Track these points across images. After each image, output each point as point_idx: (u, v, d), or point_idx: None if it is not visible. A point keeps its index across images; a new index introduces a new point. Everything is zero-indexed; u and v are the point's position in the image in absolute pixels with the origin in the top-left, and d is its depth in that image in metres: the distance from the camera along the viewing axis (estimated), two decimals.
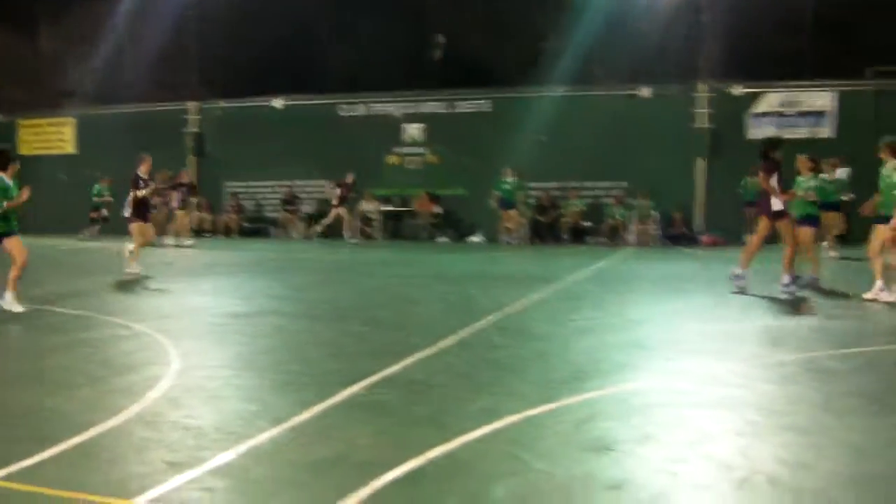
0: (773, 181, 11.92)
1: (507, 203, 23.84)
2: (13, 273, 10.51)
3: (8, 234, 10.47)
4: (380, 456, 4.85)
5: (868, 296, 11.31)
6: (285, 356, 8.09)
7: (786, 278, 11.86)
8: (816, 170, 13.86)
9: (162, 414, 5.80)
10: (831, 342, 8.50)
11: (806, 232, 12.88)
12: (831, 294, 12.15)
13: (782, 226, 12.08)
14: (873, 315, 10.40)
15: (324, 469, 4.70)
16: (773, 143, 12.53)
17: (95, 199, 25.76)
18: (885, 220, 11.27)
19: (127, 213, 15.56)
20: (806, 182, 13.37)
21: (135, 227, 15.39)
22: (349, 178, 25.00)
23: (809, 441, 5.16)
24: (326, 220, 25.26)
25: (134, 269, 14.77)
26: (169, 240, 22.75)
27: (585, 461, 4.82)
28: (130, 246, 15.07)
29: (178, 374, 7.02)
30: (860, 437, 5.26)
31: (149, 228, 15.99)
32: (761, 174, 12.11)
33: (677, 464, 4.74)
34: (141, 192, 15.42)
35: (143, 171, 15.65)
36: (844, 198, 17.88)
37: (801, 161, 13.66)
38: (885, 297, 11.15)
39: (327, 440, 5.22)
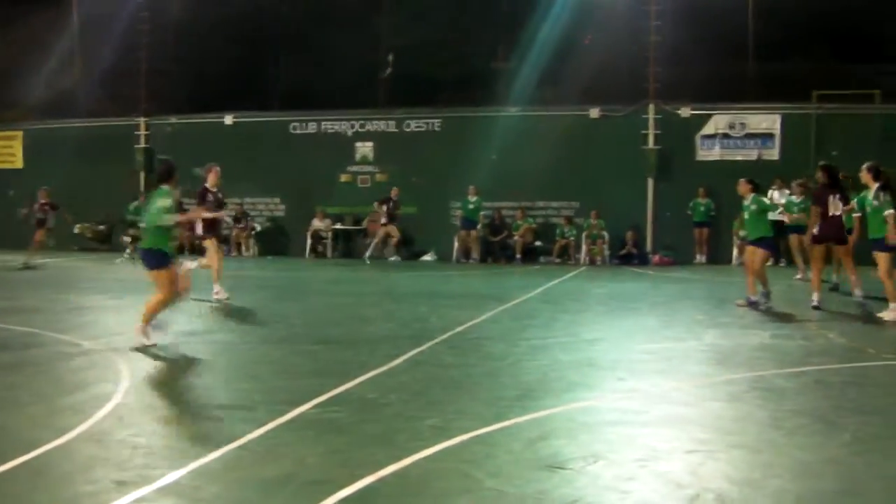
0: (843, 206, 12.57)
1: (469, 222, 23.87)
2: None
3: (172, 259, 9.42)
4: (330, 475, 4.83)
5: (887, 316, 11.54)
6: (236, 374, 8.04)
7: (857, 291, 12.71)
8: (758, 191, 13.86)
9: (111, 432, 5.72)
10: (779, 361, 8.62)
11: (759, 254, 12.93)
12: (779, 314, 12.32)
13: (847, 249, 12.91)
14: (819, 335, 10.56)
15: (274, 488, 4.67)
16: (834, 169, 12.98)
17: (131, 217, 24.02)
18: (878, 244, 11.72)
19: (199, 230, 14.22)
20: (751, 204, 13.24)
21: (209, 243, 14.02)
22: (393, 194, 24.41)
23: (758, 459, 5.23)
24: (376, 240, 24.62)
25: (221, 294, 13.62)
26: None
27: (537, 480, 4.83)
28: (193, 264, 13.93)
29: (127, 392, 6.92)
30: (807, 455, 5.35)
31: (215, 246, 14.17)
32: (845, 204, 12.54)
33: (628, 482, 4.77)
34: (204, 213, 13.48)
35: (210, 183, 14.21)
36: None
37: (743, 184, 13.51)
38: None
39: (277, 459, 5.18)
